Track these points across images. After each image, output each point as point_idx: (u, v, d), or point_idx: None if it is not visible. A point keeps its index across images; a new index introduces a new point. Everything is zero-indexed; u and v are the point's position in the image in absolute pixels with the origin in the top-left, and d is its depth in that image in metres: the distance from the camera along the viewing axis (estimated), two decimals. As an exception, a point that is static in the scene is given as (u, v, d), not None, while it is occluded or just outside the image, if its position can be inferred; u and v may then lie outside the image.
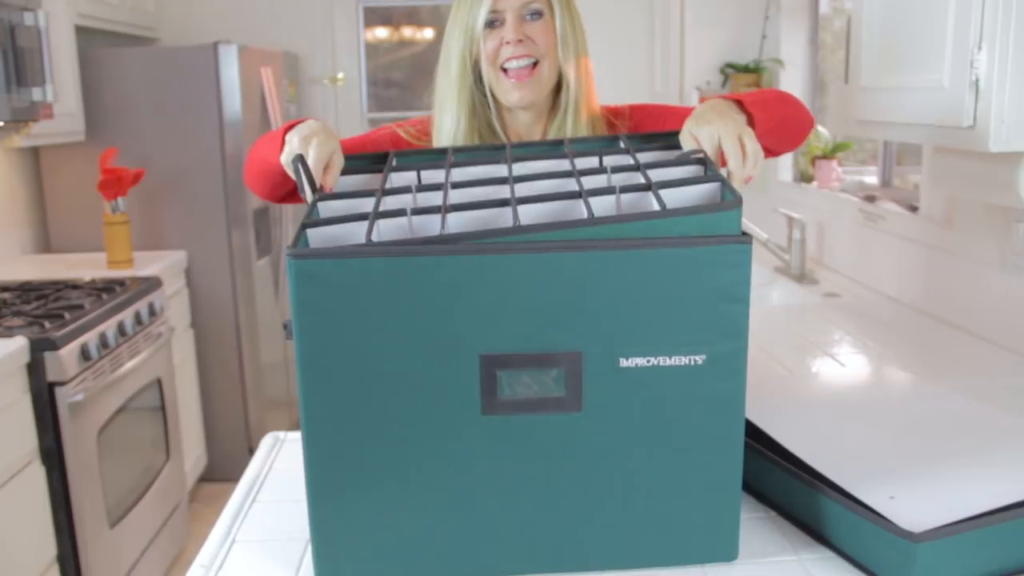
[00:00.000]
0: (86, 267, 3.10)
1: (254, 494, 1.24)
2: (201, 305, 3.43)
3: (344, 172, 1.19)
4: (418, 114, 1.61)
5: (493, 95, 1.44)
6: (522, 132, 1.49)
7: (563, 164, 1.18)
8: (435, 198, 1.08)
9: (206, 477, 3.51)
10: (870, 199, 2.74)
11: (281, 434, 1.43)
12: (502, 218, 1.01)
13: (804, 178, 3.39)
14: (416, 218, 1.01)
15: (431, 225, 1.01)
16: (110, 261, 3.08)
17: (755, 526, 1.10)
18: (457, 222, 1.00)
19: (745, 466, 1.16)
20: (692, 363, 0.95)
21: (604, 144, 1.26)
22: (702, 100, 1.17)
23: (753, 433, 1.18)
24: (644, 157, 1.17)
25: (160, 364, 2.87)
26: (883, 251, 2.61)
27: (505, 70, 1.41)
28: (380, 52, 4.48)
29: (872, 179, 3.17)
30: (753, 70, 3.73)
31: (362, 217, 1.00)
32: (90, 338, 2.36)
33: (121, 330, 2.55)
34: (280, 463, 1.33)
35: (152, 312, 2.79)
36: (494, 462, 0.97)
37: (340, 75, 4.27)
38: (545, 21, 1.40)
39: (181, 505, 3.02)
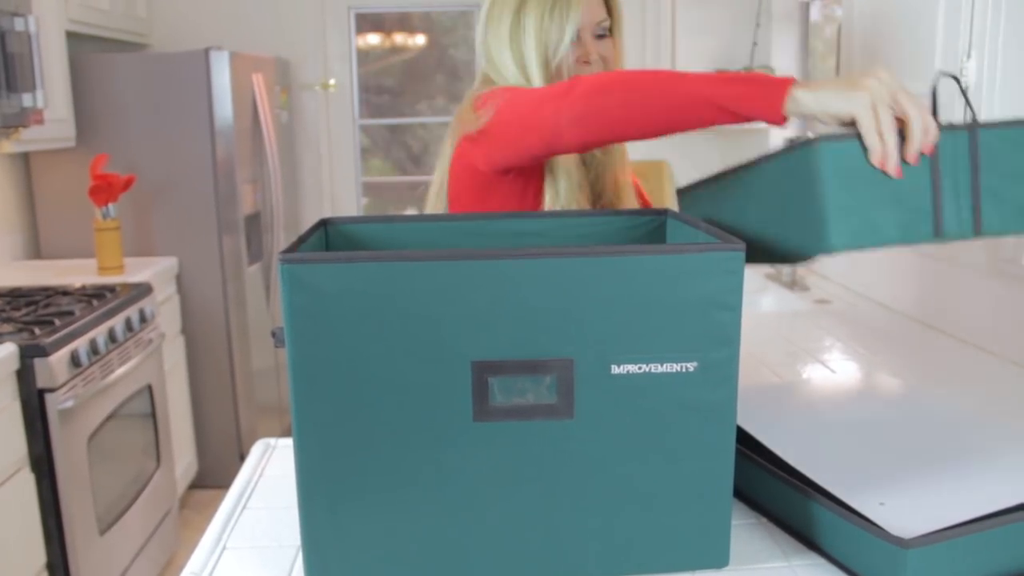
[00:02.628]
0: (76, 273, 3.09)
1: (245, 501, 1.23)
2: (192, 311, 3.42)
3: None
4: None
5: None
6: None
7: None
8: None
9: (197, 484, 3.50)
10: (860, 206, 2.75)
11: (272, 440, 1.43)
12: None
13: (795, 185, 3.40)
14: None
15: None
16: (100, 267, 3.07)
17: (746, 532, 1.10)
18: None
19: (736, 472, 1.16)
20: (683, 370, 0.96)
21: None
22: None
23: (744, 439, 1.18)
24: None
25: (151, 371, 2.86)
26: (874, 258, 2.62)
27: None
28: (371, 58, 4.48)
29: (862, 186, 3.18)
30: (744, 77, 3.74)
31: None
32: (80, 344, 2.35)
33: (111, 336, 2.54)
34: (271, 469, 1.33)
35: (143, 318, 2.78)
36: (485, 469, 0.97)
37: (332, 81, 4.28)
38: (609, 39, 1.43)
39: (171, 512, 3.01)
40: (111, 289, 2.76)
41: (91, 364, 2.41)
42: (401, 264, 0.91)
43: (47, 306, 2.56)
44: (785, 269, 2.94)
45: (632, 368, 0.95)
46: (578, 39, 1.40)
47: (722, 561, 1.02)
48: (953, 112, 1.57)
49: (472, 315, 0.93)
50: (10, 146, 2.84)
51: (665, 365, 0.95)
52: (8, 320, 2.38)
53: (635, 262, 0.93)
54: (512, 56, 1.42)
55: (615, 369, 0.95)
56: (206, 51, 3.29)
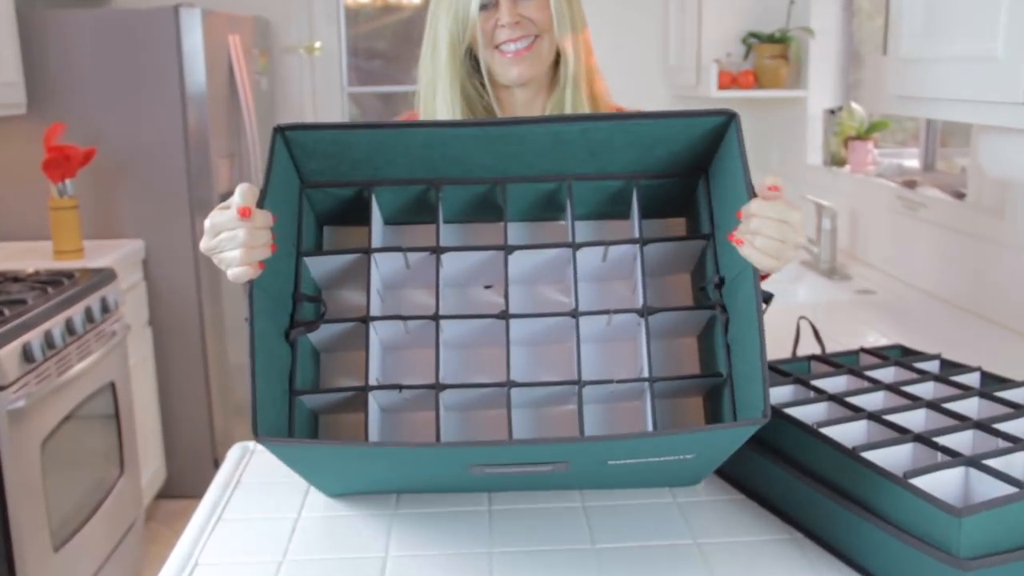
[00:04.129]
0: (29, 257, 3.09)
1: (219, 512, 1.23)
2: (160, 300, 3.43)
3: (325, 250, 1.34)
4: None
5: (490, 75, 1.51)
6: (519, 110, 1.56)
7: (564, 256, 1.27)
8: (428, 330, 1.25)
9: (165, 493, 3.51)
10: (910, 185, 2.75)
11: (250, 444, 1.43)
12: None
13: (835, 161, 3.39)
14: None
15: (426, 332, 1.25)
16: (56, 251, 3.07)
17: (776, 548, 1.10)
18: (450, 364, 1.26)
19: (767, 484, 1.17)
20: (680, 459, 1.11)
21: (611, 219, 1.35)
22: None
23: (779, 452, 1.18)
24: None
25: (114, 366, 2.86)
26: (924, 243, 2.61)
27: (501, 48, 1.48)
28: (361, 19, 4.47)
29: (912, 162, 3.17)
30: (779, 40, 3.72)
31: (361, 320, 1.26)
32: (33, 337, 2.36)
33: (69, 328, 2.54)
34: (249, 477, 1.33)
35: (105, 308, 2.78)
36: None
37: (317, 44, 4.27)
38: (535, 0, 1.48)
39: (136, 525, 3.02)
40: (69, 275, 2.76)
41: (46, 359, 2.41)
42: (409, 451, 1.09)
43: (-3, 294, 2.56)
44: (823, 255, 2.93)
45: (630, 461, 1.10)
46: (496, 3, 1.47)
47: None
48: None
49: (469, 457, 1.08)
50: (-45, 114, 2.84)
51: (662, 458, 1.10)
52: (-47, 309, 2.38)
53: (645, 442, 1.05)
54: (430, 26, 1.52)
55: (612, 464, 1.11)
56: (176, 8, 3.29)
